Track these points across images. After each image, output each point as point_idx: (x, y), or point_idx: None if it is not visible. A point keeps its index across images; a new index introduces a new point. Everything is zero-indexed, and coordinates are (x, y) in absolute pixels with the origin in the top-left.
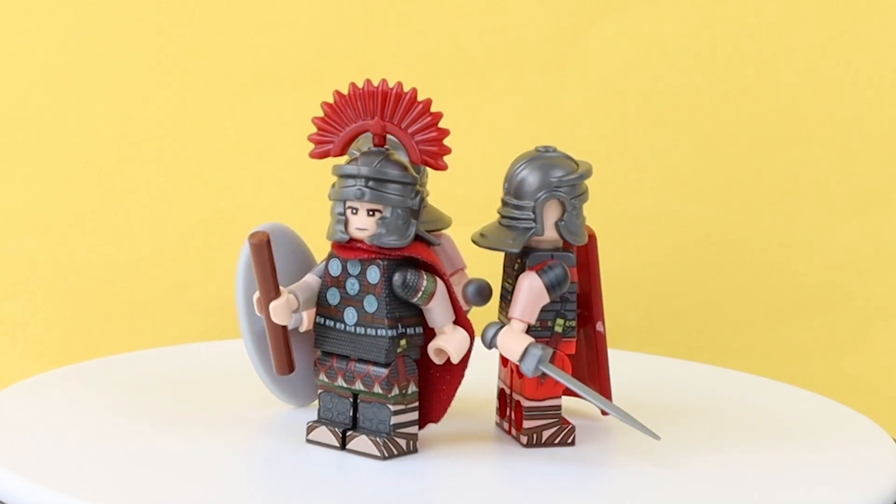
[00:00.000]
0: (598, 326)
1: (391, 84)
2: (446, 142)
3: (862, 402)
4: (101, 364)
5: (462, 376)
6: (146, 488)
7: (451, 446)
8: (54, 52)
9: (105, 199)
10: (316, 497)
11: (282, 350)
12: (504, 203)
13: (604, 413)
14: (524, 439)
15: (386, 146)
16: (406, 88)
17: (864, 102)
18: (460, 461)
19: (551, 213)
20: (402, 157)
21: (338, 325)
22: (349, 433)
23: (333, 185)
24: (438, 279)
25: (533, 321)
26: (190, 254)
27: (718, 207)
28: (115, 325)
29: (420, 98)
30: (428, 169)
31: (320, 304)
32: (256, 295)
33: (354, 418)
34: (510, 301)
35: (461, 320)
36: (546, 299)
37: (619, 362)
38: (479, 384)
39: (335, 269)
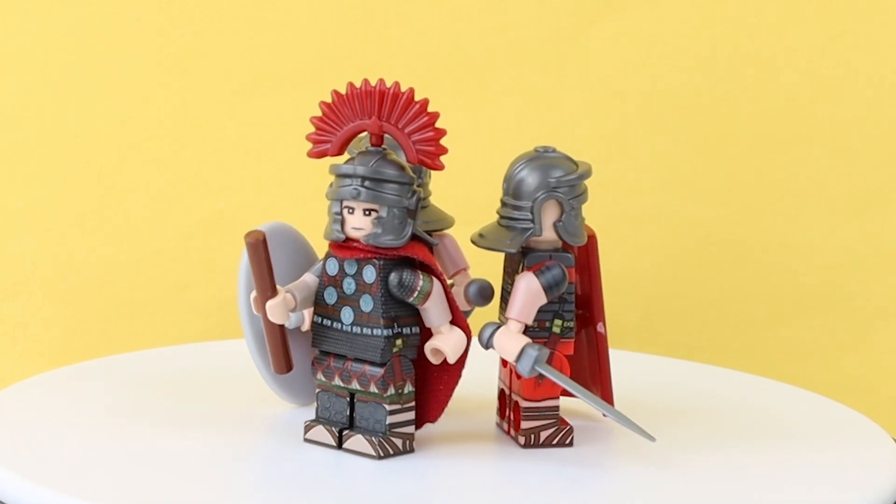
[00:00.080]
0: (599, 327)
1: (388, 84)
2: (443, 142)
3: (862, 402)
4: (101, 364)
5: (459, 376)
6: (146, 488)
7: (450, 446)
8: (54, 52)
9: (105, 199)
10: (314, 497)
11: (279, 349)
12: (503, 203)
13: (604, 414)
14: (522, 440)
15: (383, 146)
16: (405, 88)
17: (864, 102)
18: (458, 461)
19: (550, 214)
20: (401, 157)
21: (335, 324)
22: (346, 432)
23: (331, 185)
24: (435, 279)
25: (530, 322)
26: (190, 254)
27: (718, 207)
28: (115, 325)
29: (417, 98)
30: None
31: (318, 303)
32: (253, 294)
33: (351, 418)
34: None
35: (458, 320)
36: (543, 300)
37: (619, 362)
38: (479, 384)
39: (332, 268)
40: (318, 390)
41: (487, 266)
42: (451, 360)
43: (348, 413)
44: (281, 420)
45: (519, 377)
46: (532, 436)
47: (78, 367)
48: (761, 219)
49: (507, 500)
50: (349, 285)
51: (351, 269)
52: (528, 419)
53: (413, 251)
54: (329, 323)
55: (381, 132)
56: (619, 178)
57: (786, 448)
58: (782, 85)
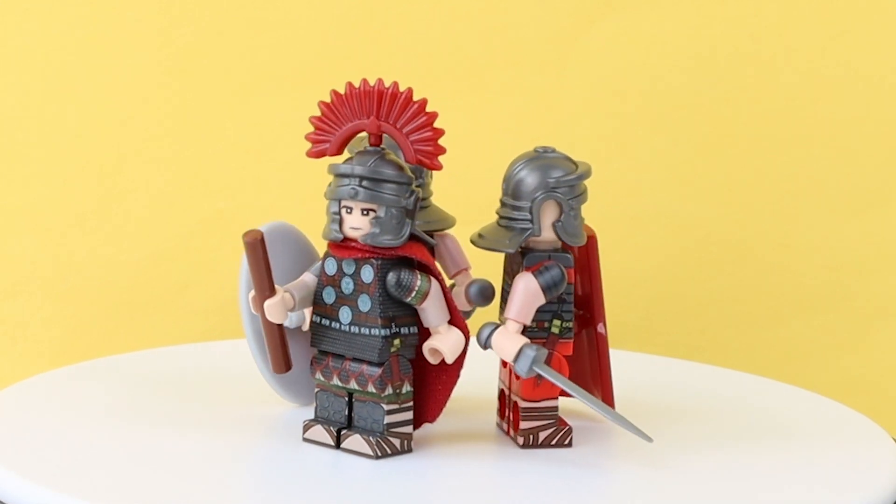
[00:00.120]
0: (600, 328)
1: (387, 83)
2: (442, 141)
3: (862, 402)
4: (101, 364)
5: (457, 376)
6: (146, 488)
7: (449, 446)
8: (54, 52)
9: (105, 199)
10: (312, 497)
11: (278, 348)
12: (502, 203)
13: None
14: (520, 440)
15: (382, 146)
16: (404, 88)
17: (864, 102)
18: (457, 461)
19: (548, 214)
20: (400, 157)
21: (333, 323)
22: (344, 432)
23: (329, 185)
24: (433, 279)
25: (528, 322)
26: (190, 254)
27: (718, 207)
28: (115, 325)
29: (416, 98)
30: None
31: (316, 302)
32: (252, 293)
33: (350, 417)
34: None
35: (456, 320)
36: (542, 300)
37: (619, 362)
38: (479, 384)
39: (331, 267)
40: (316, 390)
41: (488, 266)
42: (449, 360)
43: (347, 413)
44: (280, 420)
45: (518, 377)
46: (531, 436)
47: (78, 367)
48: (761, 219)
49: (505, 500)
50: (347, 285)
51: (349, 268)
52: (526, 419)
53: (411, 251)
54: (327, 322)
55: (379, 132)
56: (619, 178)
57: (786, 448)
58: (782, 85)
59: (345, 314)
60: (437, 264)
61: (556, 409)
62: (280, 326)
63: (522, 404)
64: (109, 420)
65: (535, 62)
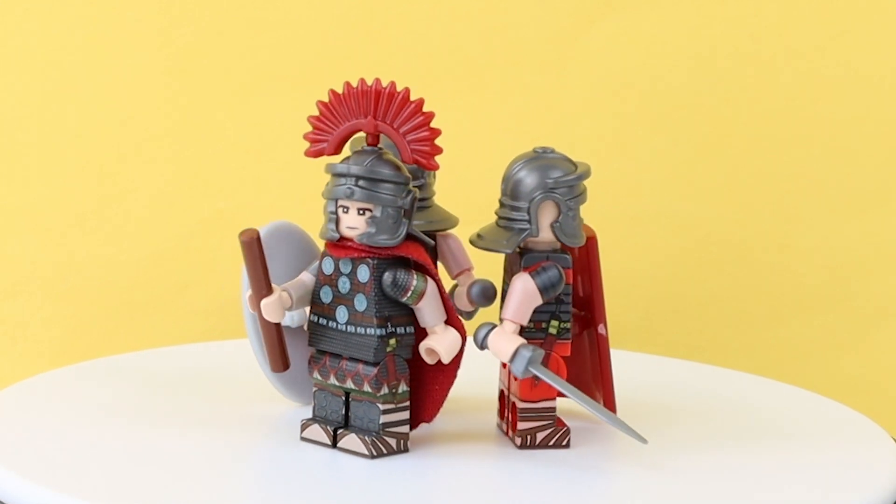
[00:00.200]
0: (601, 329)
1: (384, 83)
2: (442, 141)
3: (862, 402)
4: (101, 364)
5: (454, 377)
6: (146, 488)
7: (448, 447)
8: (54, 52)
9: (105, 199)
10: (311, 497)
11: (276, 347)
12: (501, 204)
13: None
14: (518, 441)
15: (379, 145)
16: (402, 88)
17: (864, 102)
18: (455, 462)
19: (547, 215)
20: (397, 157)
21: (330, 323)
22: (340, 431)
23: (327, 184)
24: (429, 279)
25: (525, 322)
26: (190, 254)
27: (718, 207)
28: (115, 325)
29: (413, 97)
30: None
31: (314, 302)
32: (249, 292)
33: (347, 416)
34: None
35: (452, 320)
36: (539, 301)
37: (620, 362)
38: (479, 384)
39: (328, 267)
40: (314, 389)
41: (489, 266)
42: (446, 360)
43: (343, 412)
44: (280, 420)
45: (516, 378)
46: (528, 437)
47: (78, 367)
48: (761, 219)
49: (503, 500)
50: (344, 284)
51: (346, 268)
52: (524, 420)
53: (408, 251)
54: (325, 322)
55: (376, 132)
56: (619, 178)
57: (786, 448)
58: (782, 85)
59: (342, 313)
60: (440, 264)
61: (553, 409)
62: (277, 325)
63: (520, 405)
64: (109, 420)
65: (535, 62)
